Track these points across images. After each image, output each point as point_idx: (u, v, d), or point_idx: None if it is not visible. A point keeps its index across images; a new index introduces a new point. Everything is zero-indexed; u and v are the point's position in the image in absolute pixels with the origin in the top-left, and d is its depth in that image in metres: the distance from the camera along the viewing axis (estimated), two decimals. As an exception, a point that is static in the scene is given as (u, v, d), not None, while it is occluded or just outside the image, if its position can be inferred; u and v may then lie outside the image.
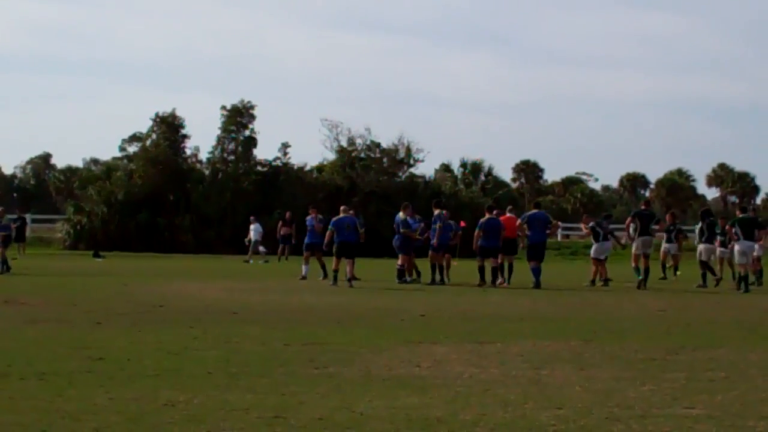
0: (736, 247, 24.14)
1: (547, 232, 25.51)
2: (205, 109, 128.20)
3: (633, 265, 24.88)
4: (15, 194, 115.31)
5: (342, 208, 25.66)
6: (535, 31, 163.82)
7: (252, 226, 40.44)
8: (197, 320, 14.34)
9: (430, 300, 19.39)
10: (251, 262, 38.40)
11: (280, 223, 40.53)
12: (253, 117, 53.03)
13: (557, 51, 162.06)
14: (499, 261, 24.74)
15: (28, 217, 50.45)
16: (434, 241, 24.81)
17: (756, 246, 24.29)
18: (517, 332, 13.44)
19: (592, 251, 25.91)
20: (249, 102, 53.00)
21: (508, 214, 26.01)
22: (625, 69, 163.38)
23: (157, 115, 52.95)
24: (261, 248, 40.05)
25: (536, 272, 23.86)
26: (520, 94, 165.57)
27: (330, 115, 69.66)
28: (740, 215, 24.87)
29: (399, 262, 25.13)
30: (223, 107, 52.90)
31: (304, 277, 25.37)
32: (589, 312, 17.21)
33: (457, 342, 12.20)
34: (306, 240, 26.29)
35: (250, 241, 40.26)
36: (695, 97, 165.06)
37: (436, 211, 25.24)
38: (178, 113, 53.11)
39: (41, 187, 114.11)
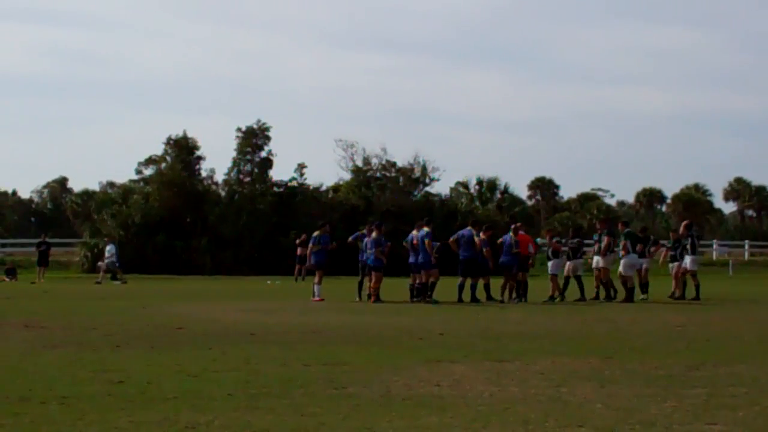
0: (625, 261, 24.86)
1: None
2: (220, 131, 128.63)
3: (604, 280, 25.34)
4: (32, 218, 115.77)
5: (367, 228, 25.98)
6: (549, 47, 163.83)
7: (107, 247, 40.50)
8: (216, 342, 14.36)
9: (448, 318, 19.36)
10: (122, 281, 38.13)
11: (299, 241, 40.71)
12: (268, 138, 53.21)
13: (571, 67, 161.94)
14: (519, 278, 25.32)
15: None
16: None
17: (643, 260, 25.60)
18: (536, 350, 13.41)
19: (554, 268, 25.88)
20: (264, 123, 53.22)
21: (520, 232, 26.12)
22: (640, 84, 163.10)
23: (169, 138, 53.20)
24: (101, 263, 39.92)
25: (471, 287, 24.63)
26: (535, 111, 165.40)
27: (345, 134, 69.89)
28: (626, 230, 25.86)
29: (419, 280, 25.02)
30: (239, 129, 53.13)
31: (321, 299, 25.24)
32: (607, 329, 17.16)
33: (477, 360, 12.17)
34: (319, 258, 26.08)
35: (113, 263, 39.90)
36: (711, 111, 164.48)
37: (374, 234, 25.16)
38: (195, 135, 53.48)
39: (58, 210, 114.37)
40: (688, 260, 26.44)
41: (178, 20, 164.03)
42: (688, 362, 11.94)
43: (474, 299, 24.57)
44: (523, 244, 25.63)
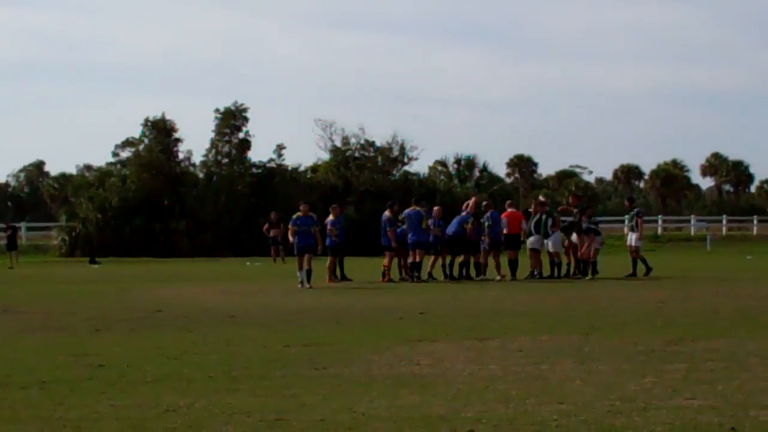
0: (554, 238, 25.24)
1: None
2: (198, 112, 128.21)
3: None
4: (9, 203, 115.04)
5: (393, 207, 25.56)
6: (526, 24, 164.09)
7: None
8: (196, 324, 14.34)
9: (428, 297, 19.38)
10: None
11: (266, 225, 40.36)
12: (246, 119, 52.93)
13: (548, 44, 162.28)
14: (509, 257, 25.24)
15: (22, 225, 50.26)
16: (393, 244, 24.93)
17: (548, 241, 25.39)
18: (516, 328, 13.45)
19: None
20: (242, 104, 52.93)
21: (508, 210, 25.97)
22: (617, 60, 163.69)
23: (147, 119, 52.89)
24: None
25: (462, 265, 24.96)
26: (512, 89, 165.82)
27: (323, 114, 69.80)
28: (547, 209, 26.03)
29: (410, 259, 24.86)
30: (217, 110, 52.85)
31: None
32: (587, 305, 17.21)
33: (457, 339, 12.21)
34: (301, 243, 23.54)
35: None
36: (688, 87, 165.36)
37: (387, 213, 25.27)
38: (172, 117, 53.09)
39: (35, 194, 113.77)
40: (633, 237, 26.57)
41: (155, 3, 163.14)
42: (666, 338, 12.01)
43: (467, 276, 24.57)
44: (513, 222, 25.39)
